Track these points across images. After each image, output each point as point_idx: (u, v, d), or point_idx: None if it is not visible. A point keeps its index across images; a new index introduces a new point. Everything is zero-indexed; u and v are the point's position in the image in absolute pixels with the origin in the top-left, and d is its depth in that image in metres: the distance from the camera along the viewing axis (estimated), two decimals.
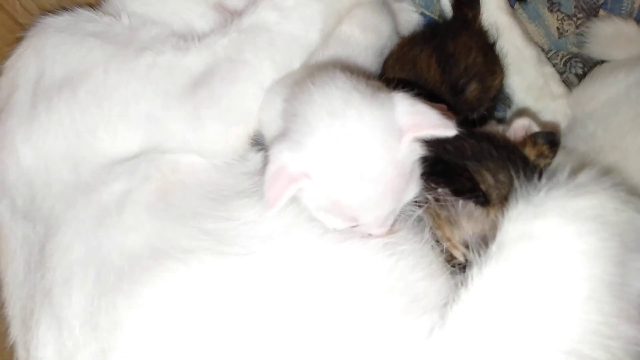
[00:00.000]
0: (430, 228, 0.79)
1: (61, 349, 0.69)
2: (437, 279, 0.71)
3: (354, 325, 0.64)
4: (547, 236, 0.63)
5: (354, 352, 0.63)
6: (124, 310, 0.66)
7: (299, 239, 0.68)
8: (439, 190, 0.76)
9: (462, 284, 0.66)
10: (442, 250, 0.78)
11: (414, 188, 0.69)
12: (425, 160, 0.73)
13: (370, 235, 0.70)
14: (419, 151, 0.67)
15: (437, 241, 0.79)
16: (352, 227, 0.69)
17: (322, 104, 0.66)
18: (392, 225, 0.72)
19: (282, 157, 0.65)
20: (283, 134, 0.68)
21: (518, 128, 0.87)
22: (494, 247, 0.65)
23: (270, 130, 0.78)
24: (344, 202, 0.65)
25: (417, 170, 0.70)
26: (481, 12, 0.98)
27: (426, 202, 0.78)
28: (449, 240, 0.77)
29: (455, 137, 0.76)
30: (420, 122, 0.65)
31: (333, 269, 0.67)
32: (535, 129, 0.89)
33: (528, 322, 0.61)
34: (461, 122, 0.80)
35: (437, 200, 0.77)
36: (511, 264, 0.63)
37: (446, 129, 0.65)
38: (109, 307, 0.66)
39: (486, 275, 0.63)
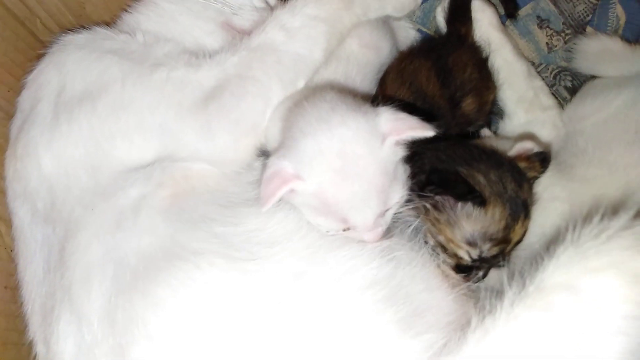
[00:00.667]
0: (432, 235, 0.83)
1: (80, 342, 0.73)
2: (438, 293, 0.73)
3: (351, 333, 0.68)
4: (593, 293, 0.60)
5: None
6: (140, 309, 0.70)
7: (300, 245, 0.73)
8: (436, 197, 0.81)
9: (481, 309, 0.65)
10: (444, 258, 0.82)
11: (399, 190, 0.75)
12: (420, 172, 0.79)
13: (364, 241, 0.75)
14: (401, 153, 0.74)
15: (441, 246, 0.83)
16: (345, 230, 0.75)
17: (311, 113, 0.75)
18: (386, 233, 0.77)
19: (277, 162, 0.73)
20: (280, 145, 0.76)
21: (520, 149, 0.91)
22: (531, 287, 0.63)
23: (272, 147, 0.85)
24: (331, 199, 0.71)
25: (403, 173, 0.76)
26: (473, 28, 1.05)
27: (425, 211, 0.83)
28: (451, 241, 0.82)
29: (447, 146, 0.82)
30: (401, 126, 0.72)
31: (331, 274, 0.71)
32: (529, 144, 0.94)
33: None
34: (460, 135, 0.87)
35: (434, 207, 0.82)
36: (548, 313, 0.61)
37: (424, 131, 0.72)
38: (126, 304, 0.71)
39: (518, 314, 0.62)
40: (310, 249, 0.73)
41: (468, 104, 0.98)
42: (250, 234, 0.75)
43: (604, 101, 0.99)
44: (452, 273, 0.82)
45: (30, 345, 0.84)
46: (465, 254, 0.82)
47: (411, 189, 0.80)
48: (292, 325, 0.68)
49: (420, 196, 0.81)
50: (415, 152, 0.81)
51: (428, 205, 0.81)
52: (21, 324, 0.85)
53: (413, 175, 0.82)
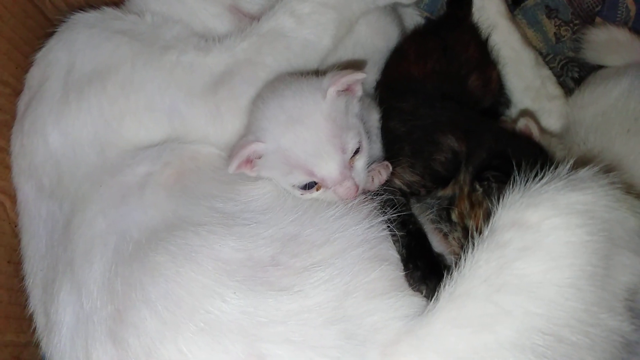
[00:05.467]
0: (461, 216, 0.83)
1: (79, 311, 0.77)
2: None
3: (340, 290, 0.72)
4: (536, 225, 0.69)
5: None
6: (139, 274, 0.74)
7: (291, 209, 0.79)
8: (492, 183, 0.80)
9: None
10: (457, 236, 0.84)
11: (354, 137, 0.82)
12: (479, 150, 0.85)
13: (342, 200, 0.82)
14: (357, 107, 0.86)
15: (463, 228, 0.83)
16: (318, 191, 0.82)
17: (265, 90, 0.87)
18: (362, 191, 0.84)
19: (245, 138, 0.85)
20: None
21: (525, 128, 0.98)
22: (486, 232, 0.72)
23: None
24: (289, 151, 0.80)
25: (358, 124, 0.84)
26: (472, 12, 1.10)
27: (469, 191, 0.83)
28: (478, 229, 0.79)
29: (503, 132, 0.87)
30: (337, 79, 0.83)
31: (321, 234, 0.77)
32: (535, 130, 0.98)
33: (511, 304, 0.68)
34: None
35: (485, 191, 0.81)
36: (500, 249, 0.70)
37: (356, 76, 0.83)
38: (125, 272, 0.75)
39: (477, 258, 0.71)
40: (300, 211, 0.79)
41: (473, 81, 1.03)
42: (246, 204, 0.80)
43: (604, 91, 1.03)
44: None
45: (30, 319, 0.87)
46: None
47: (466, 168, 0.84)
48: (287, 284, 0.72)
49: (476, 176, 0.82)
50: (469, 130, 0.87)
51: (478, 186, 0.81)
52: (23, 298, 0.89)
53: (469, 152, 0.85)
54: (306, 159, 0.80)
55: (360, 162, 0.83)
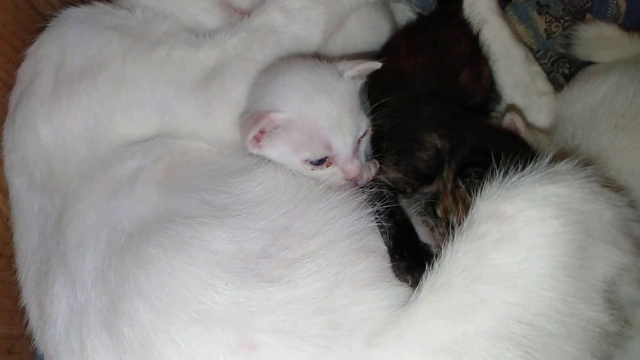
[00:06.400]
0: (445, 212, 0.85)
1: (74, 303, 0.78)
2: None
3: (328, 280, 0.74)
4: (512, 217, 0.72)
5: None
6: (132, 266, 0.76)
7: (282, 200, 0.81)
8: (475, 179, 0.82)
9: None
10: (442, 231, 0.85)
11: (365, 120, 0.87)
12: (461, 146, 0.88)
13: (346, 180, 0.85)
14: (359, 86, 0.90)
15: (448, 225, 0.84)
16: (328, 166, 0.84)
17: (277, 65, 0.90)
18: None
19: (249, 110, 0.87)
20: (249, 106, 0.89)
21: (511, 124, 1.00)
22: (465, 224, 0.74)
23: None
24: (315, 120, 0.82)
25: (363, 109, 0.89)
26: (462, 8, 1.11)
27: (452, 188, 0.85)
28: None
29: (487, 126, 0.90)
30: (354, 65, 0.88)
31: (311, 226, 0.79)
32: (520, 125, 1.00)
33: (488, 294, 0.70)
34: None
35: (467, 188, 0.83)
36: (478, 241, 0.72)
37: (373, 65, 0.89)
38: (118, 264, 0.76)
39: (456, 249, 0.73)
40: (292, 204, 0.80)
41: (464, 76, 1.04)
42: (237, 197, 0.81)
43: (592, 87, 1.04)
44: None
45: (22, 312, 0.89)
46: None
47: (449, 165, 0.86)
48: (277, 275, 0.74)
49: (458, 173, 0.84)
50: (452, 127, 0.89)
51: (460, 183, 0.83)
52: (15, 292, 0.90)
53: (452, 149, 0.87)
54: (329, 130, 0.83)
55: (364, 144, 0.88)
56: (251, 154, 0.88)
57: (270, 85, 0.86)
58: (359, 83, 0.90)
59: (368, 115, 0.89)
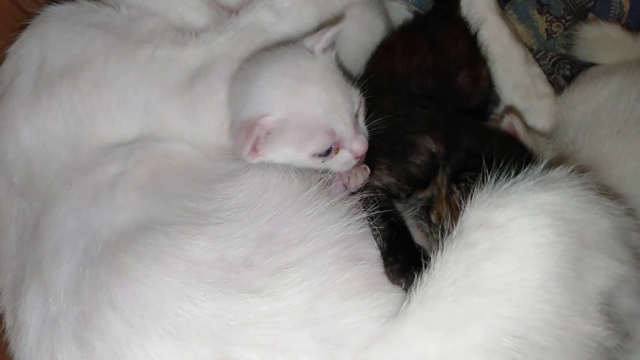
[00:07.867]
0: (439, 217, 0.83)
1: (46, 314, 0.76)
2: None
3: (316, 288, 0.72)
4: (503, 226, 0.69)
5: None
6: (105, 276, 0.73)
7: (267, 207, 0.78)
8: (470, 185, 0.79)
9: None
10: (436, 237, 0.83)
11: (354, 91, 0.84)
12: (457, 150, 0.85)
13: (355, 158, 0.82)
14: (334, 57, 0.86)
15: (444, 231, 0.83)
16: (337, 153, 0.81)
17: (245, 69, 0.86)
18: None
19: (235, 121, 0.83)
20: (233, 117, 0.85)
21: (510, 126, 0.97)
22: (455, 232, 0.72)
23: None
24: (308, 111, 0.79)
25: (350, 82, 0.86)
26: (460, 7, 1.09)
27: (447, 193, 0.82)
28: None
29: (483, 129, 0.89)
30: (320, 36, 0.85)
31: (298, 233, 0.76)
32: (519, 128, 0.97)
33: (479, 306, 0.68)
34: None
35: (463, 194, 0.80)
36: (468, 250, 0.69)
37: (337, 28, 0.86)
38: (93, 274, 0.74)
39: (446, 258, 0.70)
40: (279, 209, 0.78)
41: (462, 78, 1.02)
42: (220, 203, 0.79)
43: (593, 90, 1.02)
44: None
45: (1, 319, 0.86)
46: None
47: (444, 170, 0.83)
48: (259, 285, 0.71)
49: (453, 178, 0.82)
50: (448, 130, 0.87)
51: (455, 188, 0.81)
52: None
53: (447, 153, 0.85)
54: (326, 116, 0.79)
55: (361, 117, 0.85)
56: (239, 158, 0.85)
57: (248, 91, 0.83)
58: (334, 54, 0.86)
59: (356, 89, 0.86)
